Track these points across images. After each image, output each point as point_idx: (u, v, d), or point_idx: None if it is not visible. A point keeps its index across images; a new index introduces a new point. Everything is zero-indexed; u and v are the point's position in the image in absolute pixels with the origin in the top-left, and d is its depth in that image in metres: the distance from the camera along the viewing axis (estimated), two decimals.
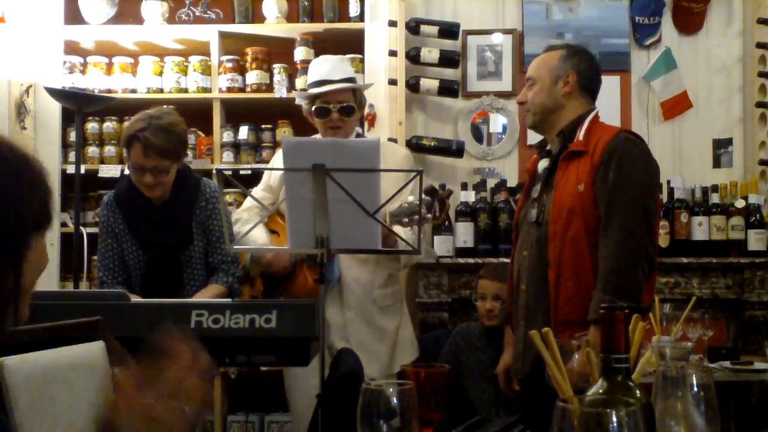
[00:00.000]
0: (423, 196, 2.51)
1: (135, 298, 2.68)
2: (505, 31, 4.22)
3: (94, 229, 3.89)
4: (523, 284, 2.58)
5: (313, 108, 2.91)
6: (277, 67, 4.06)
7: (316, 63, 3.07)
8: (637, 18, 4.18)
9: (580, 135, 2.51)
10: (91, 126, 4.08)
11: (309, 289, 2.75)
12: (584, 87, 2.60)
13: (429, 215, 2.54)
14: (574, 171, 2.47)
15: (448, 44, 4.11)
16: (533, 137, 3.59)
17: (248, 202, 3.12)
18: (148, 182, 2.76)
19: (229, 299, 2.71)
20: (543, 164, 2.64)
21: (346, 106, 2.90)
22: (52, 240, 3.80)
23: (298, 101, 3.06)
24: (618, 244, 2.34)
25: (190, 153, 3.92)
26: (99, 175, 3.98)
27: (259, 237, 2.87)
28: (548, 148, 2.67)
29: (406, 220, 2.52)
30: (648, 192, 2.44)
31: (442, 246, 3.84)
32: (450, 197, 2.60)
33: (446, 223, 3.85)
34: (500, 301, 3.09)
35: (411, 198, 2.51)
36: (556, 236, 2.45)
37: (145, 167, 2.74)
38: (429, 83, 4.03)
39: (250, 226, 2.77)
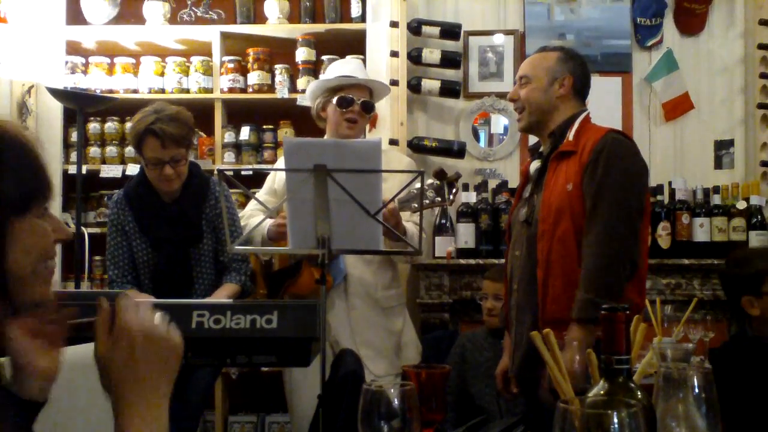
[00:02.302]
0: (432, 180, 2.55)
1: (142, 297, 2.69)
2: (507, 32, 4.22)
3: (96, 230, 3.90)
4: (515, 284, 2.60)
5: (336, 98, 2.93)
6: (278, 68, 4.06)
7: (342, 62, 3.20)
8: (638, 19, 4.18)
9: (570, 135, 2.53)
10: (93, 126, 4.08)
11: (314, 286, 2.75)
12: (577, 91, 2.63)
13: (438, 198, 2.56)
14: (563, 171, 2.48)
15: (450, 45, 4.11)
16: (535, 138, 3.58)
17: (252, 206, 3.13)
18: (168, 174, 2.78)
19: (230, 300, 2.72)
20: (534, 165, 2.66)
21: (367, 102, 2.97)
22: None
23: (308, 99, 3.07)
24: (599, 243, 2.34)
25: (191, 153, 3.92)
26: (100, 175, 3.98)
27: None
28: (540, 150, 2.69)
29: (416, 205, 2.54)
30: (632, 192, 2.43)
31: (442, 247, 3.84)
32: (459, 180, 2.64)
33: (447, 224, 3.86)
34: (500, 301, 3.14)
35: (419, 185, 2.54)
36: (545, 235, 2.46)
37: (163, 160, 2.77)
38: (430, 84, 4.03)
39: (249, 233, 2.78)
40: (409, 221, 2.85)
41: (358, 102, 2.93)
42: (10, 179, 1.08)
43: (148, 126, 2.74)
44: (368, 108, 2.98)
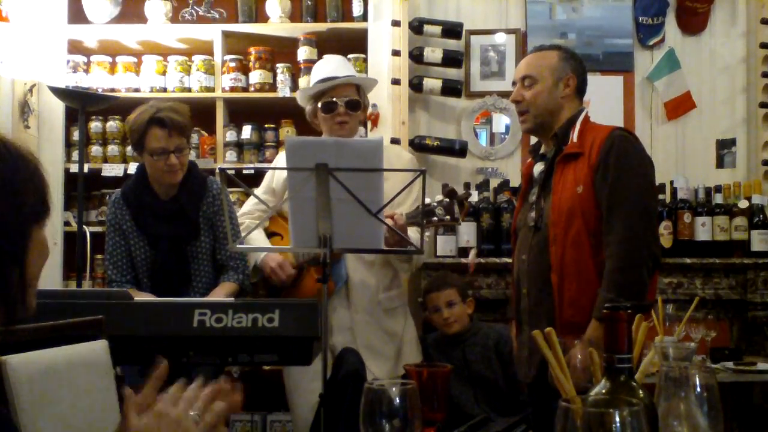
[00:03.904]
0: (442, 197, 2.55)
1: (142, 296, 2.70)
2: (509, 31, 4.22)
3: (97, 228, 3.90)
4: (524, 288, 2.57)
5: (320, 104, 2.92)
6: (280, 67, 4.06)
7: (321, 63, 3.11)
8: (640, 18, 4.18)
9: (574, 136, 2.50)
10: (95, 125, 4.09)
11: (315, 291, 2.75)
12: (579, 90, 2.61)
13: (447, 217, 2.57)
14: (571, 173, 2.45)
15: (452, 44, 4.11)
16: (536, 137, 3.59)
17: (248, 206, 3.13)
18: (174, 164, 2.81)
19: (232, 299, 2.72)
20: (539, 168, 2.62)
21: (351, 100, 2.93)
22: (55, 239, 3.81)
23: (301, 103, 3.07)
24: (621, 242, 2.33)
25: (193, 152, 3.92)
26: (102, 174, 3.99)
27: (258, 241, 2.88)
28: (542, 151, 2.66)
29: (425, 221, 2.55)
30: (647, 189, 2.43)
31: (445, 246, 3.84)
32: (469, 199, 2.64)
33: None
34: (454, 306, 3.17)
35: (428, 200, 2.55)
36: (557, 239, 2.44)
37: (168, 149, 2.79)
38: (432, 83, 4.03)
39: (251, 231, 2.78)
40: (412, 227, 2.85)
41: (341, 104, 2.91)
42: (31, 192, 1.15)
43: (152, 116, 2.77)
44: (354, 106, 2.93)
